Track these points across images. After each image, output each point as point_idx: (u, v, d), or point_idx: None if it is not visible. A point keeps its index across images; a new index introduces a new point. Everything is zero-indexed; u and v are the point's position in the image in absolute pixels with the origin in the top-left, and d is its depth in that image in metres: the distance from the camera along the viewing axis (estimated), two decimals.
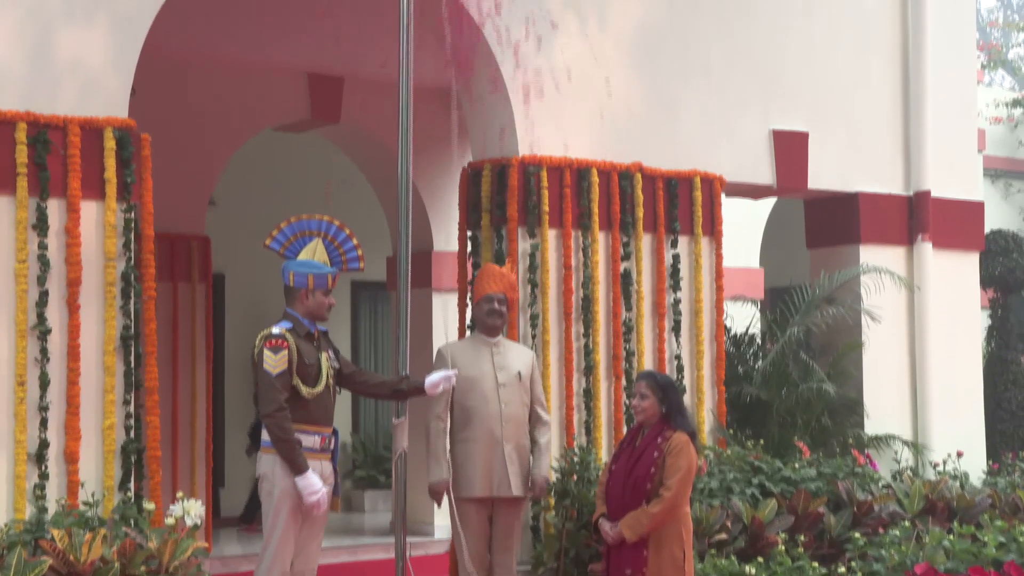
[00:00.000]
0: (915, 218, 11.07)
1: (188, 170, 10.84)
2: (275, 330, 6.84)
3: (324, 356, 7.00)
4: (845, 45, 10.87)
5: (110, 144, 7.55)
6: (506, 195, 9.04)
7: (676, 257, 9.70)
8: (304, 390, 6.82)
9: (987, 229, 12.83)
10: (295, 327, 6.91)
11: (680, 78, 9.95)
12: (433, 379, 7.41)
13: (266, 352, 6.74)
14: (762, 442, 9.87)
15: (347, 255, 7.11)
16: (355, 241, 7.15)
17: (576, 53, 9.37)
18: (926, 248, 11.06)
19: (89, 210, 7.51)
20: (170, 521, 6.97)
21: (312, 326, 6.98)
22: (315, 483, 6.72)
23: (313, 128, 12.00)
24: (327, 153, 13.19)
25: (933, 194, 11.08)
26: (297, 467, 6.70)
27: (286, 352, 6.75)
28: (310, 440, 6.82)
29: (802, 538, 8.88)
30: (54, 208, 7.42)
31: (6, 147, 7.28)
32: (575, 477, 8.52)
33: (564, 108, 9.30)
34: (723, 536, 8.55)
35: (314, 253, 7.02)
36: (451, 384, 7.56)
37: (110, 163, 7.55)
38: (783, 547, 8.61)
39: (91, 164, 7.50)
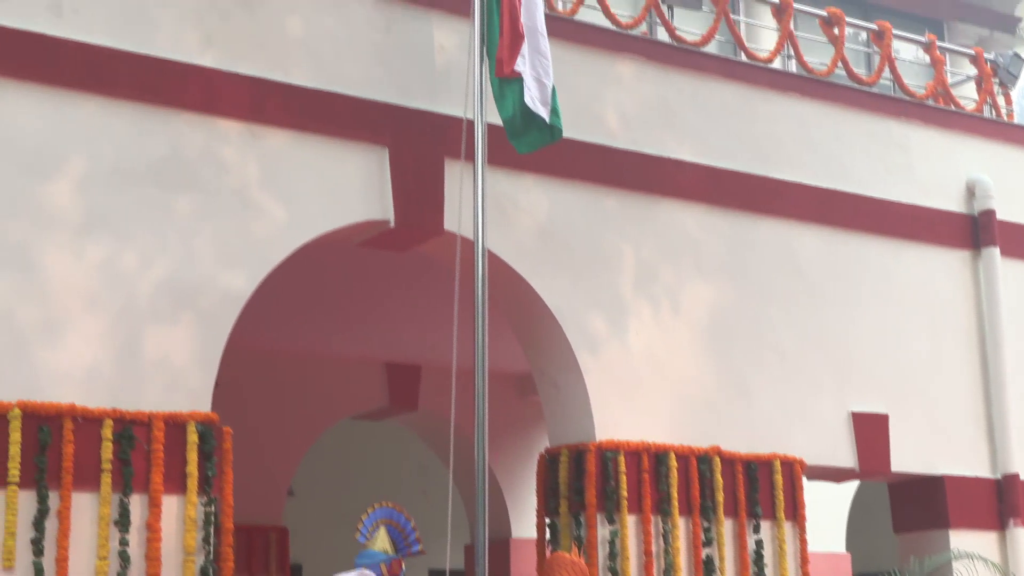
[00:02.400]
0: (1005, 502, 10.82)
1: (268, 461, 10.92)
2: None
3: None
4: (919, 327, 10.88)
5: (192, 438, 7.66)
6: (584, 481, 8.99)
7: (759, 543, 9.51)
8: None
9: None
10: None
11: (754, 362, 9.98)
12: None
13: None
14: None
15: (409, 539, 7.31)
16: (413, 523, 7.30)
17: (650, 338, 9.46)
18: (1019, 534, 10.75)
19: (170, 504, 7.56)
20: None
21: None
22: None
23: (391, 416, 12.10)
24: (405, 441, 13.24)
25: (1022, 477, 10.85)
26: None
27: None
28: None
29: None
30: (136, 503, 7.48)
31: (92, 444, 7.41)
32: None
33: (640, 392, 9.34)
34: None
35: (378, 541, 7.22)
36: None
37: (192, 457, 7.64)
38: None
39: (173, 458, 7.60)
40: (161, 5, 8.03)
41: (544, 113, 8.25)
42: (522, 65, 8.20)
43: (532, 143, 8.43)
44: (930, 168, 11.20)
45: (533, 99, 8.21)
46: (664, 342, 9.52)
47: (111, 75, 7.78)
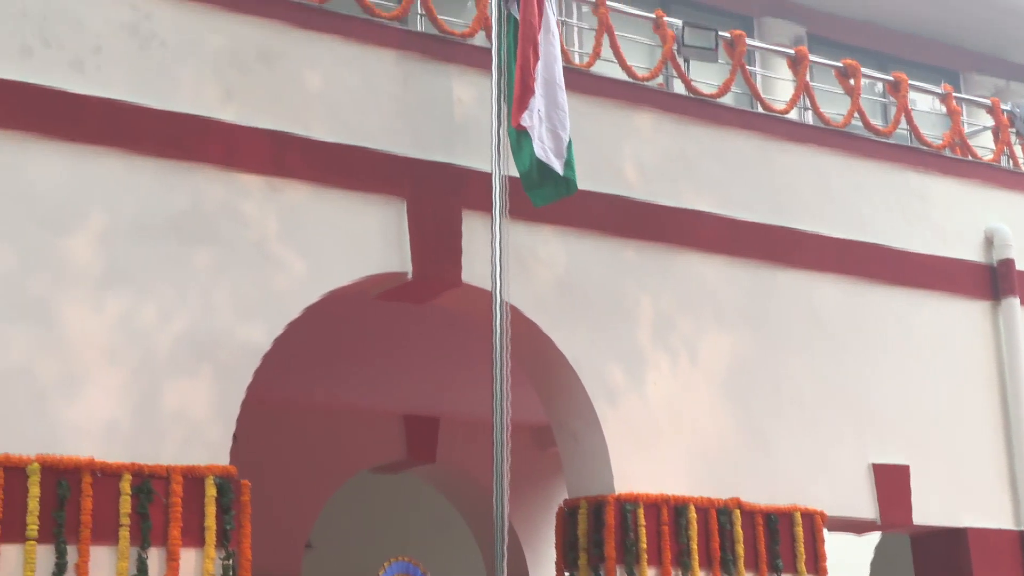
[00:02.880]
0: None
1: (286, 514, 10.90)
2: None
3: None
4: (940, 378, 10.83)
5: (211, 492, 7.65)
6: (603, 533, 8.94)
7: None
8: None
9: None
10: None
11: (774, 412, 9.94)
12: None
13: None
14: None
15: None
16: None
17: (669, 389, 9.44)
18: None
19: (188, 559, 7.54)
20: None
21: None
22: None
23: (409, 469, 12.08)
24: (423, 494, 13.21)
25: None
26: None
27: None
28: None
29: None
30: (154, 557, 7.46)
31: (111, 498, 7.41)
32: None
33: (659, 444, 9.30)
34: None
35: None
36: None
37: (210, 511, 7.63)
38: None
39: (192, 512, 7.59)
40: (182, 61, 8.10)
41: (558, 166, 8.29)
42: (528, 119, 8.23)
43: (547, 196, 8.46)
44: (948, 218, 11.20)
45: (546, 152, 8.25)
46: (683, 393, 9.50)
47: (132, 130, 7.84)
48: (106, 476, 7.41)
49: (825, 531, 9.90)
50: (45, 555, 7.19)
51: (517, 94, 8.22)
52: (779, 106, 10.75)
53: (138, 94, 7.91)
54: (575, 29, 12.05)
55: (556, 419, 9.44)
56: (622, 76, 9.97)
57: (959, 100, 11.98)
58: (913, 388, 10.66)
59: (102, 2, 7.92)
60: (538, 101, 8.27)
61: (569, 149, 8.41)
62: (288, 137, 8.35)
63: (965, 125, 11.97)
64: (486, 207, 8.53)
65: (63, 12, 7.80)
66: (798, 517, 9.68)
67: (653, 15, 10.30)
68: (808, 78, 10.86)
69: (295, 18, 8.55)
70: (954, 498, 10.66)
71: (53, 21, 7.77)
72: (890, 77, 11.52)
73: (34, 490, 7.18)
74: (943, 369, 10.87)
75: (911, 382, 10.67)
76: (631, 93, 9.86)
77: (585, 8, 10.88)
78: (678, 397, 9.48)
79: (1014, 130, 12.10)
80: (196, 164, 8.02)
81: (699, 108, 10.15)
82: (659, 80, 10.35)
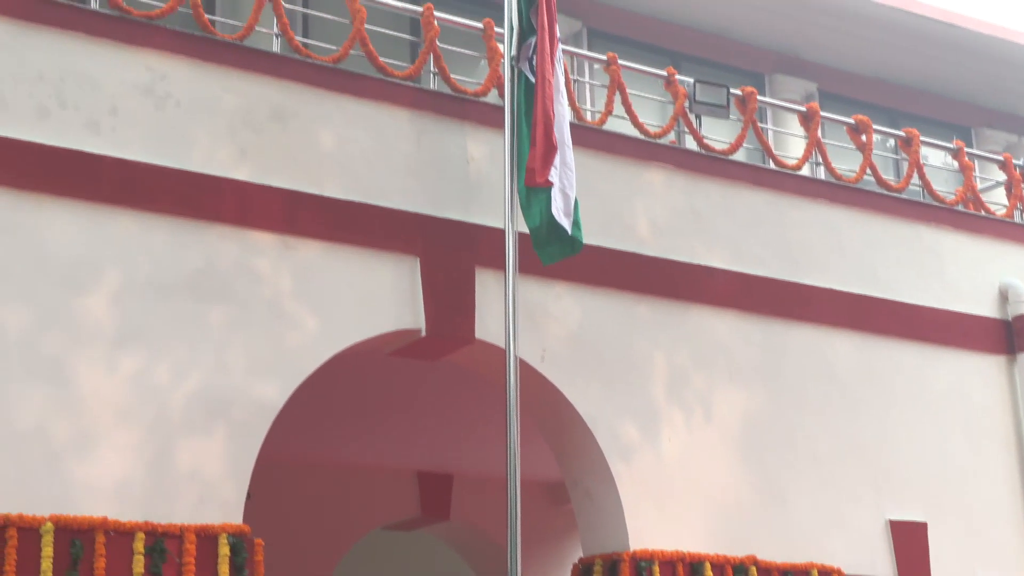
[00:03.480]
0: None
1: (300, 572, 10.85)
2: None
3: None
4: (955, 433, 10.77)
5: (224, 551, 7.62)
6: None
7: None
8: None
9: None
10: None
11: (789, 469, 9.89)
12: None
13: None
14: None
15: None
16: None
17: (683, 445, 9.41)
18: None
19: None
20: None
21: None
22: None
23: (423, 526, 12.03)
24: (437, 551, 13.15)
25: None
26: None
27: None
28: None
29: None
30: None
31: (124, 558, 7.38)
32: None
33: (674, 500, 9.26)
34: None
35: None
36: None
37: (224, 570, 7.60)
38: None
39: (205, 571, 7.56)
40: (196, 121, 8.16)
41: (567, 224, 8.32)
42: (554, 175, 8.28)
43: (554, 254, 8.49)
44: (962, 273, 11.18)
45: (558, 210, 8.29)
46: (697, 449, 9.46)
47: (147, 189, 7.90)
48: (119, 535, 7.40)
49: None
50: None
51: (541, 150, 8.26)
52: (791, 162, 10.78)
53: (153, 154, 7.98)
54: (587, 87, 12.15)
55: (570, 476, 9.41)
56: (634, 133, 10.02)
57: (971, 155, 12.00)
58: (929, 444, 10.60)
59: (118, 64, 8.01)
60: (558, 158, 8.33)
61: (576, 208, 8.44)
62: (301, 195, 8.40)
63: (978, 180, 11.98)
64: (499, 264, 8.55)
65: (80, 74, 7.88)
66: (815, 574, 9.60)
67: (665, 73, 10.37)
68: (820, 134, 10.89)
69: (308, 78, 8.63)
70: (972, 554, 10.57)
71: (70, 83, 7.84)
72: (902, 133, 11.55)
73: (47, 550, 7.17)
74: (959, 425, 10.81)
75: (927, 438, 10.62)
76: (643, 150, 9.90)
77: (597, 66, 10.96)
78: (693, 453, 9.44)
79: None
80: (210, 222, 8.07)
81: (711, 164, 10.18)
82: (671, 137, 10.40)
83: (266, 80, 8.46)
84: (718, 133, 10.84)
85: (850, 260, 10.63)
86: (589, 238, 8.63)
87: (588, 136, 9.47)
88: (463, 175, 9.00)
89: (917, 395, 10.67)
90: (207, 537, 7.62)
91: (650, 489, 9.18)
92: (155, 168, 7.94)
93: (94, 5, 8.20)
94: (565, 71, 9.08)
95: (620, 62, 10.11)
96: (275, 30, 8.80)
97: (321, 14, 10.03)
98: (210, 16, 8.73)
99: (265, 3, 8.69)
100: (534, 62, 8.51)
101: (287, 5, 9.02)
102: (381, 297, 8.56)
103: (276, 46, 8.83)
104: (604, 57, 10.18)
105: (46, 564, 7.14)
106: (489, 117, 9.10)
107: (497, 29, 9.38)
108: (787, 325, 10.12)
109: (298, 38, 8.85)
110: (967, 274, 11.21)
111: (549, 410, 9.18)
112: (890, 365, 10.58)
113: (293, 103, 8.53)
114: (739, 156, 10.62)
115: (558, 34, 8.77)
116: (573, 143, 8.67)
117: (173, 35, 8.24)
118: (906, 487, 10.39)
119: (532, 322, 8.90)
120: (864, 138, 11.10)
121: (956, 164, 11.88)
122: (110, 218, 7.78)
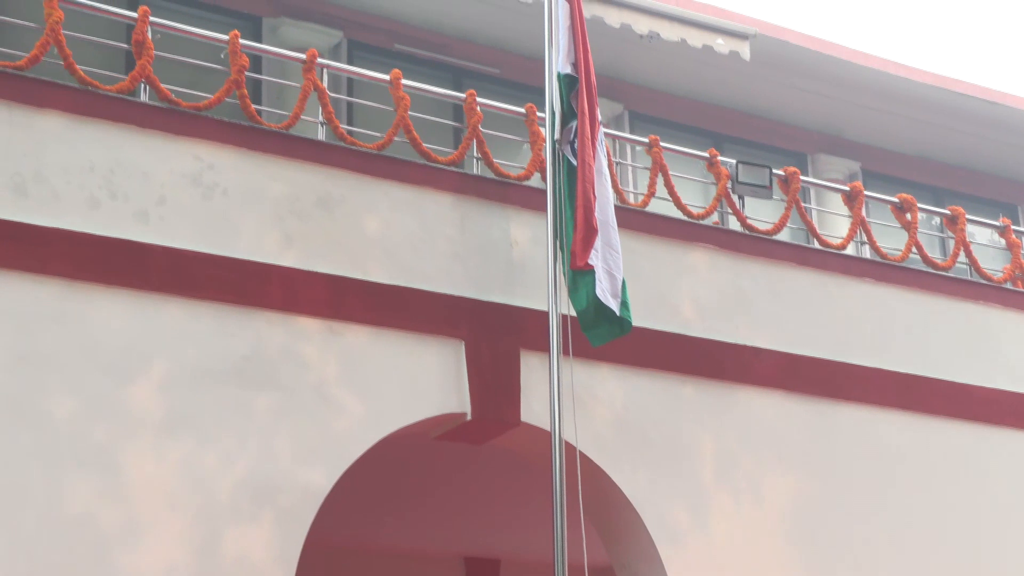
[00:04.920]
0: None
1: None
2: None
3: None
4: (1010, 514, 10.57)
5: None
6: None
7: None
8: None
9: None
10: None
11: (840, 552, 9.73)
12: None
13: None
14: None
15: None
16: None
17: (732, 528, 9.30)
18: None
19: None
20: None
21: None
22: None
23: None
24: None
25: None
26: None
27: None
28: None
29: None
30: None
31: None
32: None
33: None
34: None
35: None
36: None
37: None
38: None
39: None
40: (243, 209, 8.26)
41: (614, 306, 8.33)
42: (595, 258, 8.31)
43: (603, 336, 8.48)
44: (1013, 351, 11.07)
45: (604, 292, 8.30)
46: (747, 533, 9.36)
47: (194, 278, 7.97)
48: None
49: None
50: None
51: (581, 234, 8.30)
52: (836, 241, 10.76)
53: (200, 242, 8.07)
54: (630, 169, 12.21)
55: (618, 560, 9.32)
56: (677, 214, 10.05)
57: (1018, 232, 11.92)
58: (984, 527, 10.43)
59: (167, 154, 8.13)
60: (599, 241, 8.36)
61: (623, 289, 8.45)
62: (347, 280, 8.45)
63: None
64: (544, 346, 8.55)
65: (130, 165, 8.01)
66: None
67: (707, 154, 10.41)
68: (864, 213, 10.87)
69: (353, 164, 8.72)
70: None
71: (120, 174, 7.97)
72: (947, 211, 11.51)
73: None
74: (1016, 505, 10.63)
75: (983, 519, 10.44)
76: (687, 231, 9.91)
77: (639, 148, 11.02)
78: (743, 536, 9.34)
79: None
80: (257, 309, 8.13)
81: (755, 244, 10.17)
82: (714, 217, 10.41)
83: (312, 167, 8.56)
84: (762, 213, 10.84)
85: (898, 339, 10.55)
86: (635, 320, 8.63)
87: (632, 218, 9.49)
88: (507, 258, 9.04)
89: (969, 475, 10.52)
90: None
91: (699, 573, 9.07)
92: (202, 256, 8.03)
93: (143, 97, 8.35)
94: (608, 154, 9.14)
95: (662, 144, 10.16)
96: (320, 118, 8.93)
97: (365, 102, 10.17)
98: (257, 106, 8.88)
99: (310, 92, 8.82)
100: (576, 146, 8.58)
101: (332, 94, 9.16)
102: (426, 381, 8.57)
103: (321, 134, 8.95)
104: (646, 140, 10.24)
105: None
106: (532, 200, 9.15)
107: (539, 114, 9.47)
108: (835, 405, 10.03)
109: (343, 126, 8.98)
110: (1018, 352, 11.09)
111: (596, 493, 9.11)
112: (941, 445, 10.44)
113: (338, 190, 8.62)
114: (783, 236, 10.60)
115: (599, 117, 8.84)
116: (617, 225, 8.70)
117: (220, 125, 8.36)
118: (959, 570, 10.21)
119: (578, 405, 8.86)
120: (909, 216, 11.06)
121: (1003, 242, 11.81)
122: (158, 306, 7.85)
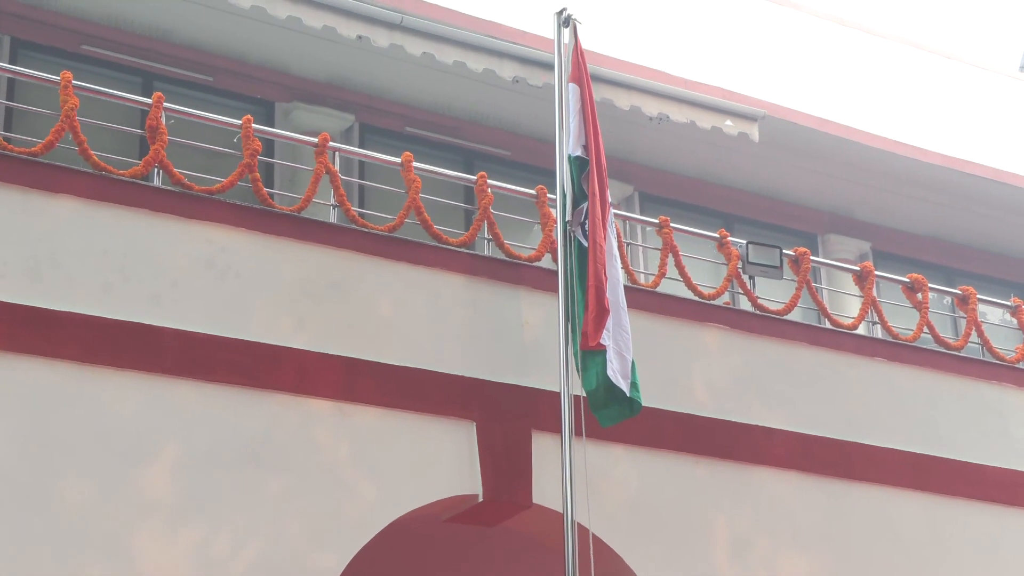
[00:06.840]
0: None
1: None
2: None
3: None
4: None
5: None
6: None
7: None
8: None
9: None
10: None
11: None
12: None
13: None
14: None
15: None
16: None
17: None
18: None
19: None
20: None
21: None
22: None
23: None
24: None
25: None
26: None
27: None
28: None
29: None
30: None
31: None
32: None
33: None
34: None
35: None
36: None
37: None
38: None
39: None
40: (255, 292, 8.30)
41: (624, 386, 8.32)
42: (607, 338, 8.32)
43: (613, 416, 8.46)
44: None
45: (615, 372, 8.29)
46: None
47: (207, 360, 7.99)
48: None
49: None
50: None
51: (593, 314, 8.32)
52: (847, 321, 10.75)
53: (213, 325, 8.10)
54: (640, 250, 12.24)
55: None
56: (688, 295, 10.06)
57: None
58: None
59: (180, 238, 8.19)
60: (611, 321, 8.38)
61: (633, 370, 8.45)
62: (359, 362, 8.46)
63: None
64: (555, 428, 8.53)
65: (143, 250, 8.06)
66: None
67: (717, 235, 10.45)
68: (875, 293, 10.88)
69: (365, 247, 8.77)
70: None
71: (133, 259, 8.02)
72: (958, 291, 11.51)
73: None
74: None
75: None
76: (698, 311, 9.92)
77: (649, 229, 11.06)
78: None
79: None
80: (269, 391, 8.14)
81: (766, 324, 10.17)
82: (725, 298, 10.43)
83: (324, 250, 8.61)
84: (773, 293, 10.85)
85: (911, 419, 10.51)
86: (646, 401, 8.61)
87: (642, 298, 9.51)
88: (518, 339, 9.05)
89: (985, 556, 10.42)
90: None
91: None
92: (215, 339, 8.05)
93: (156, 182, 8.43)
94: (618, 235, 9.18)
95: (672, 225, 10.21)
96: (332, 201, 8.99)
97: (377, 184, 10.25)
98: (269, 189, 8.95)
99: (323, 175, 8.90)
100: (587, 227, 8.63)
101: (344, 177, 9.23)
102: (438, 463, 8.54)
103: (333, 217, 9.01)
104: (656, 220, 10.29)
105: None
106: (543, 281, 9.18)
107: (550, 195, 9.52)
108: (849, 486, 9.97)
109: (355, 208, 9.04)
110: None
111: None
112: (957, 526, 10.36)
113: (350, 272, 8.66)
114: (794, 316, 10.60)
115: (610, 199, 8.90)
116: (628, 306, 8.71)
117: (233, 209, 8.43)
118: None
119: (590, 486, 8.81)
120: (920, 296, 11.06)
121: (1015, 321, 11.79)
122: (170, 389, 7.87)
